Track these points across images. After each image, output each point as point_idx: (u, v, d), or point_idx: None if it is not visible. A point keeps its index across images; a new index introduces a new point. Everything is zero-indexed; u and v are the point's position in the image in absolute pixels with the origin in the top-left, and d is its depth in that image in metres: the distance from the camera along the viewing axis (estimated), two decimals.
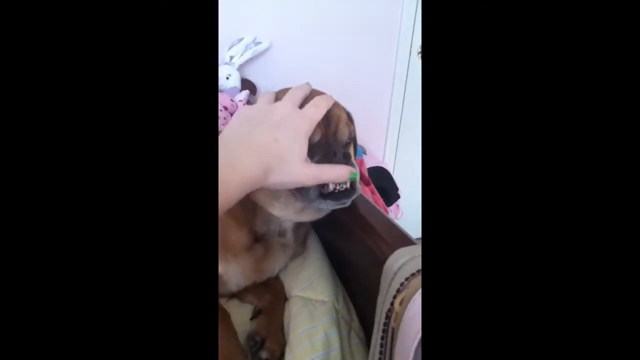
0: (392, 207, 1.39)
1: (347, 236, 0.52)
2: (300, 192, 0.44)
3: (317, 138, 0.43)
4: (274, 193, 0.46)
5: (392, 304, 0.35)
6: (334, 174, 0.41)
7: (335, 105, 0.47)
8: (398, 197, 1.37)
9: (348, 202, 0.45)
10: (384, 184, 1.24)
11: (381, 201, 1.12)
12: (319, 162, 0.42)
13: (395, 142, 1.65)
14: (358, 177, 0.44)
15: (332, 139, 0.45)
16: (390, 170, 1.43)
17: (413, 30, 1.43)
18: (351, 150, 0.50)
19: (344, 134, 0.46)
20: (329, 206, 0.44)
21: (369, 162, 1.36)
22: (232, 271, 0.53)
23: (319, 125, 0.43)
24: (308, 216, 0.50)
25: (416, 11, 1.40)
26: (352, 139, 0.49)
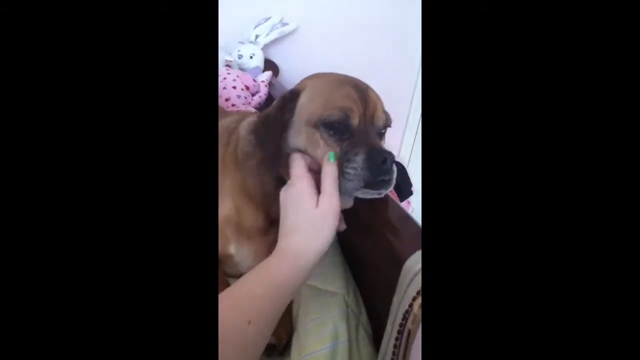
0: (404, 203, 1.37)
1: (366, 231, 0.51)
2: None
3: (355, 122, 0.44)
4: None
5: (410, 305, 0.34)
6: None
7: (372, 91, 0.47)
8: (411, 193, 1.36)
9: (384, 194, 0.44)
10: (399, 179, 1.22)
11: (395, 196, 1.10)
12: (355, 143, 0.43)
13: (413, 137, 1.62)
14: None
15: (369, 125, 0.45)
16: (405, 164, 1.41)
17: None
18: (383, 140, 0.49)
19: (380, 120, 0.47)
20: (366, 195, 0.44)
21: None
22: (244, 253, 0.53)
23: (357, 109, 0.44)
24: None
25: None
26: (386, 127, 0.49)
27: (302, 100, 0.46)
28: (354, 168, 0.41)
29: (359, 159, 0.42)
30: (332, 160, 0.42)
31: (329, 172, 0.41)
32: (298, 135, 0.45)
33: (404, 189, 1.30)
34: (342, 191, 0.42)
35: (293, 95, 0.46)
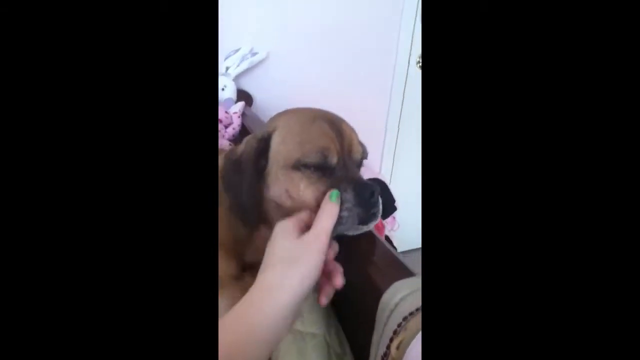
0: (389, 220, 1.35)
1: (343, 264, 0.48)
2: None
3: (334, 160, 0.43)
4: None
5: (388, 347, 0.32)
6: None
7: (346, 124, 0.46)
8: (394, 209, 1.34)
9: (372, 226, 0.44)
10: (382, 198, 1.20)
11: None
12: (339, 179, 0.41)
13: (392, 153, 1.62)
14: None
15: (347, 159, 0.44)
16: (387, 182, 1.40)
17: (412, 42, 1.42)
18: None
19: (358, 153, 0.46)
20: (357, 231, 0.42)
21: (366, 174, 1.32)
22: (219, 303, 0.50)
23: (335, 146, 0.42)
24: None
25: (414, 25, 1.39)
26: (363, 159, 0.48)
27: (275, 142, 0.44)
28: (348, 209, 0.39)
29: (349, 196, 0.40)
30: (334, 199, 0.38)
31: (329, 210, 0.37)
32: (276, 182, 0.43)
33: (387, 206, 1.30)
34: (336, 233, 0.40)
35: (264, 140, 0.44)
